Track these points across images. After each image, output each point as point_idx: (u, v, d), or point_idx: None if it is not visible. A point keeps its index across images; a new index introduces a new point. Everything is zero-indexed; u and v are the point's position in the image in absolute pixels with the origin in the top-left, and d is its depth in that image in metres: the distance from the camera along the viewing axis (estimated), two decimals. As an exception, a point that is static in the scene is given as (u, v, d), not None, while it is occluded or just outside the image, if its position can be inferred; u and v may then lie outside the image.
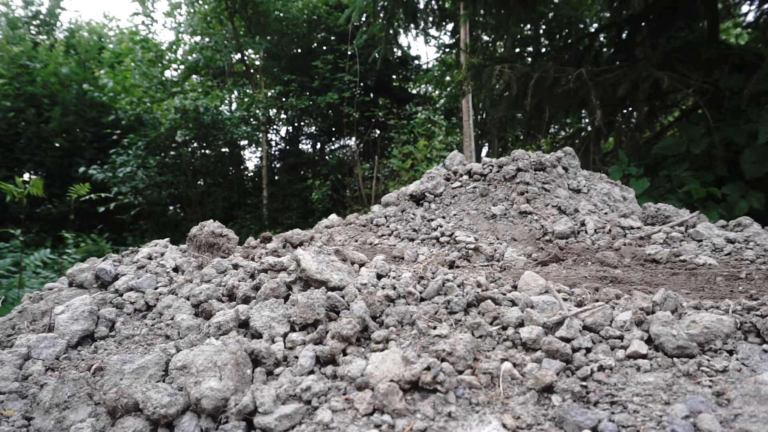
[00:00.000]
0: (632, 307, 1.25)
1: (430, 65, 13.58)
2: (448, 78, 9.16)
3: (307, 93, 12.31)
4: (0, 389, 1.22)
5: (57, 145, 11.68)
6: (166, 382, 1.19)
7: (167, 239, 2.22)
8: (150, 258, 1.97)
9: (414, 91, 13.76)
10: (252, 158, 14.94)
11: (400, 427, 0.93)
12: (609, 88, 5.57)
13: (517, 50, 9.12)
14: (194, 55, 12.28)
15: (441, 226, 2.71)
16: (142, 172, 10.17)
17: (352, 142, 12.70)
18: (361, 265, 1.80)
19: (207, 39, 11.82)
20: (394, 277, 1.60)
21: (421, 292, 1.44)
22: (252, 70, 12.79)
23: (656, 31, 6.42)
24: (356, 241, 2.75)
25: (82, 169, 9.59)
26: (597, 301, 1.36)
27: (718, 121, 5.42)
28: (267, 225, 11.44)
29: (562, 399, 0.98)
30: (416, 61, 14.37)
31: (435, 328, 1.22)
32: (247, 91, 12.05)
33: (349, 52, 11.33)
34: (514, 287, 1.55)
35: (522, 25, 8.89)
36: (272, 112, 12.56)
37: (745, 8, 7.52)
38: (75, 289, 1.79)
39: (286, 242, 2.27)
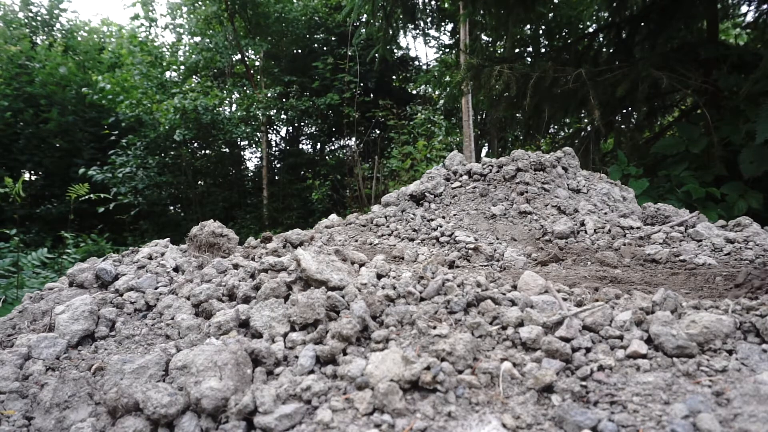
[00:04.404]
0: (632, 307, 1.26)
1: (429, 66, 13.60)
2: (447, 78, 9.17)
3: (307, 94, 12.32)
4: (0, 389, 1.22)
5: (57, 145, 11.67)
6: (166, 382, 1.19)
7: (167, 239, 2.22)
8: (150, 258, 1.97)
9: (414, 92, 13.77)
10: (252, 158, 14.96)
11: (400, 426, 0.93)
12: (608, 88, 5.58)
13: (517, 50, 9.13)
14: (194, 56, 12.27)
15: (441, 226, 2.71)
16: (142, 172, 10.16)
17: (352, 142, 12.70)
18: (361, 265, 1.80)
19: (207, 40, 11.82)
20: (394, 277, 1.60)
21: (421, 292, 1.44)
22: (252, 71, 12.79)
23: (655, 32, 6.42)
24: (356, 241, 2.76)
25: (81, 170, 9.59)
26: (597, 300, 1.37)
27: (717, 121, 5.43)
28: (267, 225, 11.44)
29: (561, 399, 0.98)
30: (416, 62, 14.39)
31: (435, 327, 1.22)
32: (248, 91, 12.06)
33: (349, 53, 11.34)
34: (514, 287, 1.56)
35: (521, 25, 8.89)
36: (272, 112, 12.56)
37: (744, 8, 7.54)
38: (75, 289, 1.79)
39: (286, 242, 2.27)
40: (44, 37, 13.36)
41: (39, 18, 13.48)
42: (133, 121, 10.21)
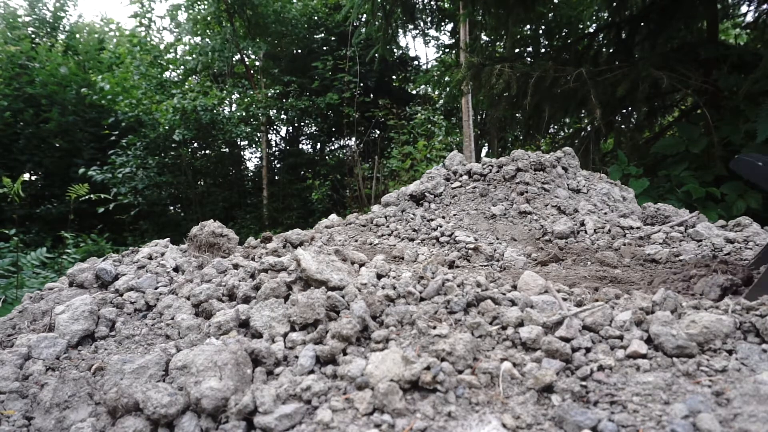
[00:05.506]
0: (632, 307, 1.26)
1: (429, 66, 13.61)
2: (447, 78, 9.18)
3: (307, 94, 12.32)
4: (0, 389, 1.22)
5: (57, 145, 11.67)
6: (166, 382, 1.19)
7: (167, 239, 2.22)
8: (150, 258, 1.97)
9: (414, 92, 13.78)
10: (252, 158, 14.96)
11: (400, 426, 0.93)
12: (608, 88, 5.58)
13: (517, 50, 9.13)
14: (194, 56, 12.26)
15: (441, 226, 2.71)
16: (142, 172, 10.17)
17: (352, 142, 12.71)
18: (361, 265, 1.80)
19: (207, 41, 11.80)
20: (394, 277, 1.60)
21: (421, 292, 1.44)
22: (252, 71, 12.78)
23: (655, 32, 6.43)
24: (356, 241, 2.75)
25: (81, 170, 9.59)
26: (596, 300, 1.37)
27: (718, 121, 5.43)
28: (267, 225, 11.45)
29: (561, 399, 0.98)
30: (416, 62, 14.40)
31: (435, 327, 1.22)
32: (248, 91, 12.07)
33: (348, 53, 11.34)
34: (514, 287, 1.56)
35: (521, 25, 8.90)
36: (272, 112, 12.57)
37: (744, 8, 7.54)
38: (75, 289, 1.79)
39: (286, 242, 2.28)
40: (46, 39, 13.37)
41: (43, 20, 13.49)
42: (133, 121, 10.22)
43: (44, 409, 1.18)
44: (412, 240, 2.68)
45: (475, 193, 3.01)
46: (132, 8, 12.54)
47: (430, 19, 8.88)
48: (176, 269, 1.91)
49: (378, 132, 12.80)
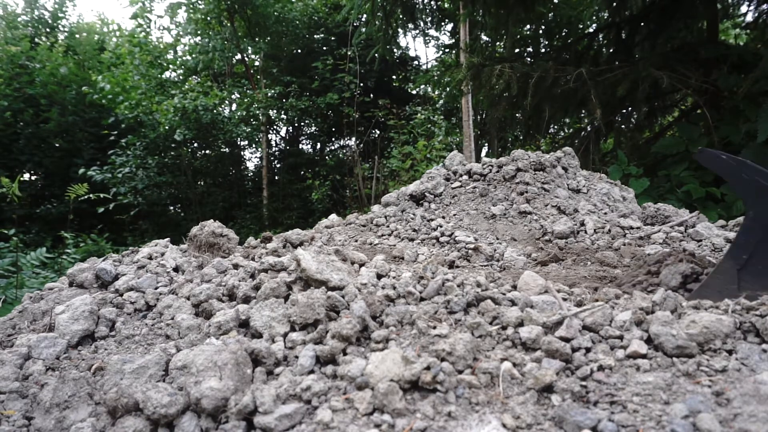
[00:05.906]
0: (632, 307, 1.25)
1: (429, 66, 13.61)
2: (447, 78, 9.19)
3: (307, 94, 12.33)
4: (0, 389, 1.22)
5: (57, 145, 11.68)
6: (166, 382, 1.19)
7: (167, 239, 2.22)
8: (150, 258, 1.97)
9: (414, 92, 13.78)
10: (252, 158, 14.97)
11: (400, 426, 0.93)
12: (608, 88, 5.58)
13: (517, 50, 9.13)
14: (194, 56, 12.26)
15: (441, 226, 2.71)
16: (142, 172, 10.17)
17: (352, 142, 12.72)
18: (361, 265, 1.80)
19: (207, 40, 11.81)
20: (394, 277, 1.60)
21: (421, 292, 1.44)
22: (252, 71, 12.78)
23: (655, 32, 6.43)
24: (356, 241, 2.75)
25: (81, 171, 9.59)
26: (596, 300, 1.37)
27: (717, 121, 5.43)
28: (267, 225, 11.45)
29: (561, 399, 0.98)
30: (416, 62, 14.40)
31: (435, 327, 1.22)
32: (248, 91, 12.08)
33: (348, 53, 11.34)
34: (514, 287, 1.56)
35: (521, 25, 8.90)
36: (272, 112, 12.57)
37: (744, 8, 7.54)
38: (75, 289, 1.79)
39: (286, 242, 2.27)
40: (45, 39, 13.37)
41: (42, 20, 13.50)
42: (133, 122, 10.22)
43: (44, 409, 1.18)
44: (412, 240, 2.68)
45: (475, 193, 3.01)
46: (132, 9, 12.52)
47: (430, 19, 8.88)
48: (176, 269, 1.91)
49: (378, 132, 12.80)
